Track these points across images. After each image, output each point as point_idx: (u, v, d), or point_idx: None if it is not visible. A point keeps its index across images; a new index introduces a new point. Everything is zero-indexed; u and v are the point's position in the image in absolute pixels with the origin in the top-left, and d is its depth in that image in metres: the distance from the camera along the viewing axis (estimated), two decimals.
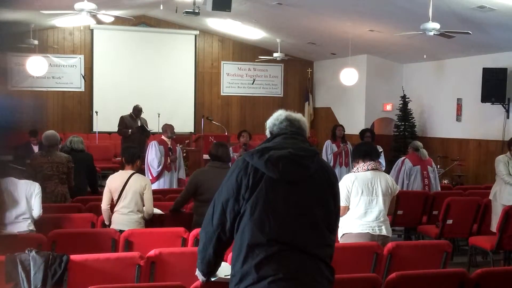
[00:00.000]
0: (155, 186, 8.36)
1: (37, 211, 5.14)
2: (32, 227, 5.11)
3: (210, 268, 2.85)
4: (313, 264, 2.61)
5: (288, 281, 2.54)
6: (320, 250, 2.66)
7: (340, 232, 4.79)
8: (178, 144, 9.26)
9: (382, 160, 8.90)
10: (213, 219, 2.72)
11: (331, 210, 2.75)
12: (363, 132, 9.35)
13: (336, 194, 2.82)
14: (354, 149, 5.11)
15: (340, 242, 4.74)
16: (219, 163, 5.46)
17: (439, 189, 7.97)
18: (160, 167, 8.72)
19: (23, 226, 5.04)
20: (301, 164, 2.68)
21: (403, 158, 8.00)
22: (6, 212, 4.28)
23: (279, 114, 2.94)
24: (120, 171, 5.71)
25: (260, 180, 2.63)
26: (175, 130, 9.17)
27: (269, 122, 2.96)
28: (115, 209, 5.47)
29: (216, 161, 5.51)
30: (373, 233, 4.64)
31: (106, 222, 5.53)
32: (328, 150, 9.59)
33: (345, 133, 9.75)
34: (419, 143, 8.07)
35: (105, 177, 6.33)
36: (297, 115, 2.94)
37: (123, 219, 5.42)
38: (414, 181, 7.77)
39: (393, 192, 4.79)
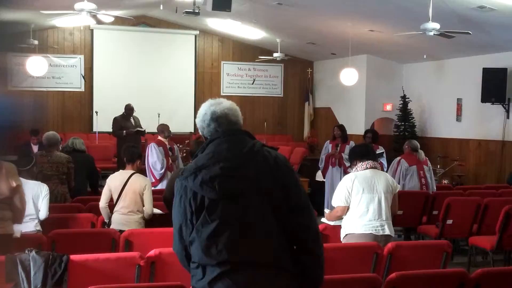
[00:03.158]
0: (158, 187, 8.29)
1: (44, 213, 5.16)
2: (39, 227, 5.14)
3: None
4: (268, 275, 2.51)
5: None
6: (276, 258, 2.53)
7: (342, 233, 4.80)
8: (175, 144, 9.20)
9: (384, 161, 8.90)
10: (175, 242, 2.64)
11: (285, 206, 2.55)
12: (365, 132, 9.48)
13: (290, 185, 2.57)
14: (350, 151, 5.18)
15: (342, 242, 4.75)
16: None
17: (435, 189, 7.96)
18: (163, 169, 8.62)
19: (30, 226, 5.06)
20: (236, 177, 2.50)
21: (398, 158, 7.97)
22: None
23: (204, 114, 2.67)
24: (120, 170, 5.71)
25: (202, 201, 2.51)
26: (175, 130, 9.14)
27: (198, 123, 2.71)
28: (115, 209, 5.47)
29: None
30: (376, 233, 4.64)
31: (106, 220, 5.53)
32: (325, 150, 9.65)
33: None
34: (417, 144, 8.05)
35: (105, 177, 6.33)
36: (222, 108, 2.67)
37: (123, 219, 5.42)
38: (410, 180, 7.76)
39: (393, 190, 4.80)
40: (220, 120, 2.64)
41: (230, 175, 2.50)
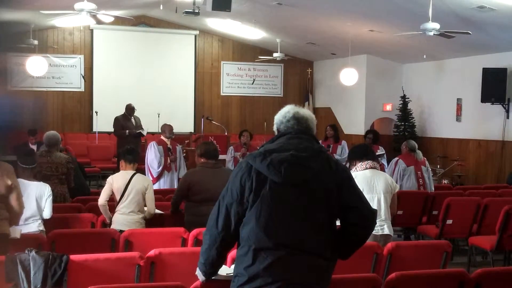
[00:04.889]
0: (155, 186, 8.34)
1: (48, 212, 5.16)
2: (42, 228, 5.13)
3: (213, 269, 2.86)
4: (319, 265, 2.65)
5: (296, 285, 2.59)
6: (326, 249, 2.69)
7: None
8: (178, 144, 9.25)
9: (384, 162, 8.88)
10: (217, 221, 2.70)
11: (338, 204, 2.71)
12: (366, 133, 9.52)
13: (344, 186, 2.73)
14: (350, 152, 5.19)
15: None
16: (212, 163, 5.42)
17: (433, 189, 7.94)
18: (160, 167, 8.71)
19: (33, 227, 5.05)
20: (303, 166, 2.65)
21: (396, 159, 7.93)
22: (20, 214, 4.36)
23: (287, 112, 2.89)
24: (121, 171, 5.69)
25: (264, 183, 2.63)
26: (175, 130, 9.17)
27: (277, 119, 2.91)
28: (116, 209, 5.47)
29: (208, 159, 5.45)
30: (375, 234, 4.64)
31: (106, 218, 5.51)
32: None
33: (346, 133, 9.72)
34: (415, 144, 8.04)
35: (105, 177, 6.32)
36: (305, 113, 2.89)
37: (124, 219, 5.41)
38: (407, 181, 7.74)
39: (393, 190, 4.81)
40: (301, 120, 2.86)
41: (298, 163, 2.65)
